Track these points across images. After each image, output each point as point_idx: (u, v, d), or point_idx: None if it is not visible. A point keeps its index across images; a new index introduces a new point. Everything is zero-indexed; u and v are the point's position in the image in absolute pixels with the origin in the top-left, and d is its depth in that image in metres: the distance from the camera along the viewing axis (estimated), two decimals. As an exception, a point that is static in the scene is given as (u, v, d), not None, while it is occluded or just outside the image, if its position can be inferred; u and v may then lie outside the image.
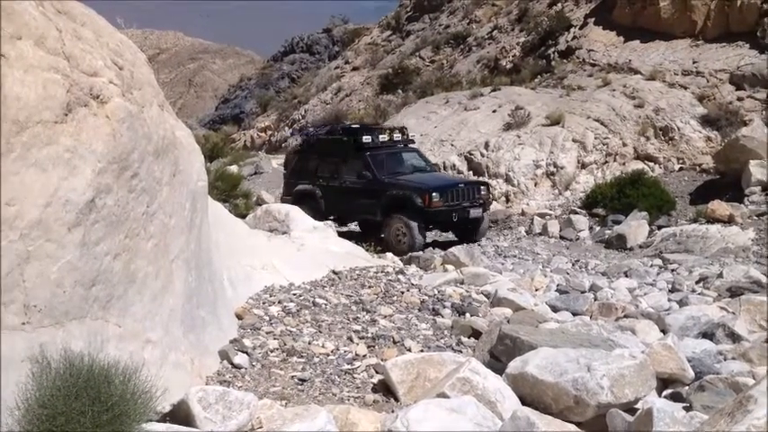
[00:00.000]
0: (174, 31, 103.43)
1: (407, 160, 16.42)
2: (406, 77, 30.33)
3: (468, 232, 15.51)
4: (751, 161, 15.47)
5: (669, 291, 10.14)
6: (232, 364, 5.51)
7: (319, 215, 15.81)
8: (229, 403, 4.20)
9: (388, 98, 29.28)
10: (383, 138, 16.14)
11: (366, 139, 15.78)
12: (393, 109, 26.40)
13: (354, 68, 36.54)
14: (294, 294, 7.26)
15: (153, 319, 4.62)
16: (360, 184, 15.52)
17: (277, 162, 25.33)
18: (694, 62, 21.46)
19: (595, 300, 9.34)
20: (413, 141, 17.28)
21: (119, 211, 4.27)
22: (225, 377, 5.31)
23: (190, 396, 4.19)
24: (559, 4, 28.08)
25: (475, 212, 15.16)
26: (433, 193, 14.60)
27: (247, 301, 6.81)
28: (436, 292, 8.35)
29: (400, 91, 29.45)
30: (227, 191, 17.22)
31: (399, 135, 16.62)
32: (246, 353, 5.73)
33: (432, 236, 15.81)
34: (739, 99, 19.73)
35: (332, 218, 16.27)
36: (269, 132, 35.32)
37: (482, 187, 15.79)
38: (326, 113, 30.96)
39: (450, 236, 16.20)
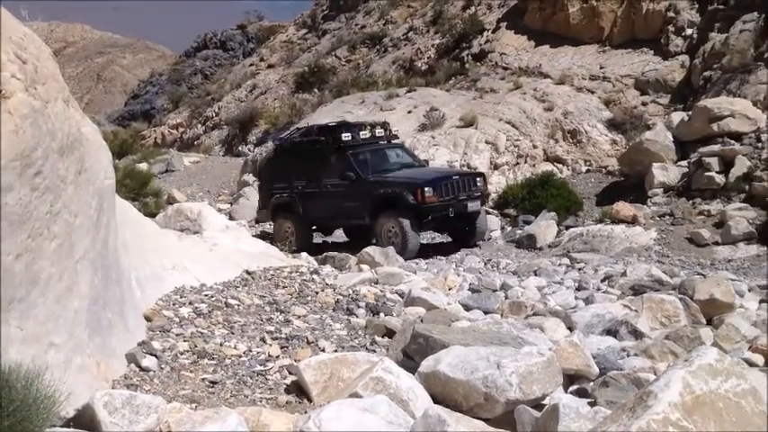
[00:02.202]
0: (81, 25, 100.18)
1: (393, 157, 15.34)
2: (321, 76, 30.25)
3: (466, 232, 14.62)
4: (654, 164, 16.05)
5: (576, 289, 10.43)
6: (140, 367, 5.39)
7: (302, 226, 14.98)
8: (136, 407, 4.11)
9: (303, 97, 29.13)
10: (364, 134, 15.02)
11: (346, 137, 14.66)
12: (309, 108, 26.29)
13: (270, 66, 36.20)
14: (206, 295, 7.15)
15: (56, 321, 4.47)
16: (343, 186, 14.35)
17: (189, 160, 24.90)
18: (601, 67, 22.16)
19: (506, 298, 9.54)
20: (396, 137, 16.28)
21: (21, 210, 4.12)
22: (132, 381, 5.19)
23: (95, 400, 4.08)
24: (473, 8, 28.53)
25: (473, 205, 14.17)
26: (426, 188, 13.52)
27: (157, 303, 6.67)
28: (351, 292, 8.38)
29: (316, 90, 29.35)
30: (137, 189, 16.83)
31: (381, 131, 15.50)
32: (155, 355, 5.61)
33: (424, 240, 14.83)
34: (643, 104, 20.51)
35: (314, 228, 15.39)
36: (181, 129, 34.64)
37: (478, 178, 14.75)
38: (241, 111, 30.60)
39: (445, 238, 15.26)
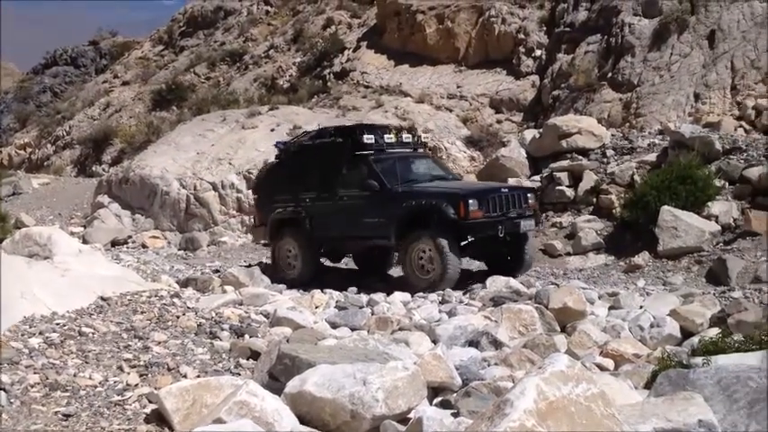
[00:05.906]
0: None
1: (422, 167, 13.02)
2: (180, 94, 29.57)
3: (509, 259, 12.17)
4: (510, 179, 16.68)
5: (440, 302, 10.62)
6: (-14, 403, 5.06)
7: (308, 248, 12.78)
8: (-19, 448, 3.84)
9: (161, 115, 28.39)
10: (389, 138, 12.68)
11: (368, 139, 12.37)
12: (167, 126, 25.64)
13: (124, 83, 35.03)
14: (57, 324, 6.79)
15: None
16: (363, 198, 12.06)
17: (38, 182, 23.69)
18: (458, 86, 22.90)
19: (372, 314, 9.61)
20: (425, 144, 14.07)
21: None
22: (-23, 419, 4.86)
23: (-67, 444, 3.78)
24: (333, 27, 28.80)
25: (526, 224, 11.88)
26: (470, 200, 11.18)
27: (4, 334, 6.28)
28: (214, 315, 8.21)
29: (174, 107, 28.67)
30: (-19, 213, 15.77)
31: (408, 136, 13.20)
32: (3, 389, 5.30)
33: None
34: (498, 121, 21.36)
35: (323, 251, 13.20)
36: (29, 150, 32.89)
37: (529, 194, 12.47)
38: (94, 130, 29.46)
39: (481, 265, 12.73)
